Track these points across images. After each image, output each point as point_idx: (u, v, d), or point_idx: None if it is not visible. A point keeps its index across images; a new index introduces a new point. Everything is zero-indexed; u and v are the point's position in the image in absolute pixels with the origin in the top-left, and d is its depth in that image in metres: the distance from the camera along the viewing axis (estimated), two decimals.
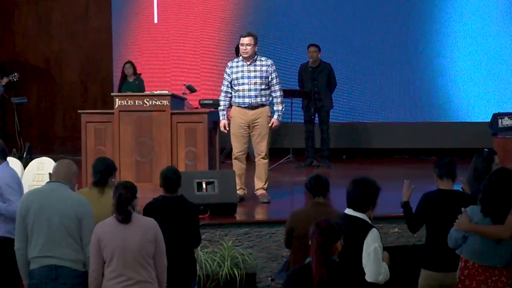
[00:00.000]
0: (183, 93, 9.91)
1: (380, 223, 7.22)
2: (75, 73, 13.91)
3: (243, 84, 8.15)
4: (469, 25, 12.18)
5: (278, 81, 8.26)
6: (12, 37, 13.97)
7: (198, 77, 12.73)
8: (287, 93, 10.59)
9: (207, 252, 7.00)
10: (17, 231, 5.28)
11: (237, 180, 8.01)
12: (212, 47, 12.84)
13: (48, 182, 5.42)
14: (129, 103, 8.45)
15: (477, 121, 11.79)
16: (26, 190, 6.43)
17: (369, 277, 4.69)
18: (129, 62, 11.77)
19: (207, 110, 8.83)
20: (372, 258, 4.70)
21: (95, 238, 4.96)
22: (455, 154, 9.24)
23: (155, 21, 12.99)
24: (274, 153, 9.87)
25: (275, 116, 8.22)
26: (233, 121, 8.23)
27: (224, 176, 7.84)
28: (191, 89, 10.26)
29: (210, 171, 8.26)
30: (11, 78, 11.38)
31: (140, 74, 11.74)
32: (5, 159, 6.16)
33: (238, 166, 8.24)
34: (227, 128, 8.22)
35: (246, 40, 8.14)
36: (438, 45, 12.30)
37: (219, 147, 9.16)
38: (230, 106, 8.30)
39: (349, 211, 4.85)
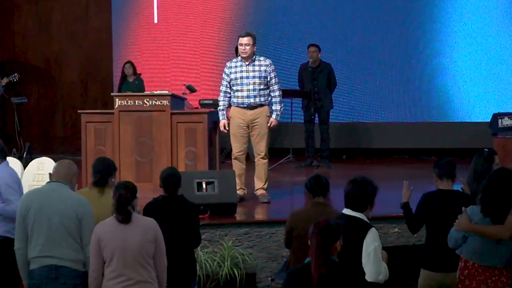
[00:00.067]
0: (183, 93, 9.91)
1: (380, 223, 7.22)
2: (75, 73, 13.91)
3: (242, 84, 8.15)
4: (469, 25, 12.18)
5: (276, 80, 8.26)
6: (12, 37, 13.97)
7: (198, 77, 12.74)
8: (287, 93, 10.61)
9: (207, 252, 7.00)
10: (17, 231, 5.28)
11: (237, 180, 8.01)
12: (212, 47, 12.84)
13: (48, 182, 5.42)
14: (129, 103, 8.45)
15: (477, 121, 11.79)
16: (26, 190, 6.43)
17: (369, 277, 4.70)
18: (129, 62, 11.77)
19: (207, 110, 8.83)
20: (372, 258, 4.70)
21: (95, 238, 4.96)
22: (455, 154, 9.27)
23: (155, 21, 13.00)
24: (274, 153, 9.88)
25: (273, 116, 8.21)
26: (232, 121, 8.23)
27: (224, 176, 7.84)
28: (191, 89, 10.27)
29: (210, 171, 8.26)
30: (11, 79, 11.38)
31: (140, 74, 11.74)
32: (5, 159, 6.16)
33: (238, 166, 8.24)
34: (227, 128, 8.22)
35: (245, 40, 8.14)
36: (438, 45, 12.30)
37: (219, 147, 9.16)
38: (229, 106, 8.30)
39: (347, 211, 4.86)
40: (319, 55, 11.07)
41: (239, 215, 7.68)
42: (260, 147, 8.22)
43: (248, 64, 8.17)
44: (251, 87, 8.14)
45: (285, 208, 7.59)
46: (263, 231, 7.37)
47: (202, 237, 6.34)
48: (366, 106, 12.49)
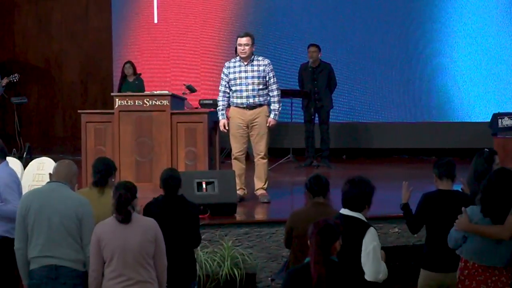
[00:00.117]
0: (183, 93, 9.92)
1: (380, 223, 7.23)
2: (75, 73, 13.91)
3: (241, 84, 8.15)
4: (469, 25, 12.18)
5: (275, 80, 8.26)
6: (12, 37, 13.97)
7: (198, 77, 12.74)
8: (287, 93, 10.62)
9: (207, 252, 7.00)
10: (17, 231, 5.28)
11: (237, 180, 8.01)
12: (212, 47, 12.84)
13: (48, 182, 5.42)
14: (129, 103, 8.45)
15: (477, 121, 11.80)
16: (26, 190, 6.44)
17: (368, 276, 4.70)
18: (129, 62, 11.77)
19: (207, 110, 8.83)
20: (371, 257, 4.70)
21: (95, 238, 4.96)
22: (455, 154, 9.26)
23: (155, 21, 13.00)
24: (274, 153, 9.88)
25: (272, 115, 8.21)
26: (232, 121, 8.23)
27: (224, 176, 7.84)
28: (191, 89, 10.28)
29: (210, 171, 8.26)
30: (11, 79, 11.38)
31: (140, 74, 11.74)
32: (5, 159, 6.16)
33: (237, 166, 8.24)
34: (227, 127, 8.22)
35: (244, 40, 8.14)
36: (438, 45, 12.30)
37: (219, 147, 9.16)
38: (229, 106, 8.30)
39: (344, 211, 4.87)
40: (319, 55, 11.07)
41: (239, 215, 7.69)
42: (260, 147, 8.23)
43: (247, 64, 8.17)
44: (250, 87, 8.14)
45: (285, 208, 7.60)
46: (263, 231, 7.37)
47: (202, 237, 6.34)
48: (366, 106, 12.49)
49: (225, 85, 8.23)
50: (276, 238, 7.28)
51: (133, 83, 11.47)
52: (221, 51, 12.69)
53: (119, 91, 11.32)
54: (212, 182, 7.65)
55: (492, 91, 12.09)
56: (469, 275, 4.95)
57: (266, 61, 8.24)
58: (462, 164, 6.27)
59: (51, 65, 13.96)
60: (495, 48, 12.11)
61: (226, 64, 8.32)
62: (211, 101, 10.80)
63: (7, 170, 6.08)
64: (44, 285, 5.15)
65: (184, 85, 10.43)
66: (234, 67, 8.20)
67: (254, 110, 8.17)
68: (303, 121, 11.30)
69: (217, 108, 8.35)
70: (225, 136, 8.60)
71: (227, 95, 8.24)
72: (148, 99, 8.45)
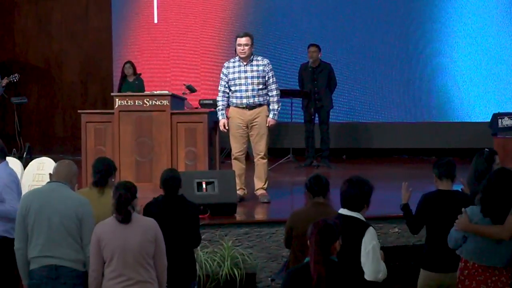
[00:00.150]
0: (183, 93, 9.92)
1: (380, 223, 7.23)
2: (75, 73, 13.90)
3: (240, 84, 8.15)
4: (469, 25, 12.19)
5: (274, 80, 8.26)
6: (12, 37, 13.97)
7: (198, 77, 12.74)
8: (287, 93, 10.62)
9: (207, 252, 7.00)
10: (17, 231, 5.28)
11: (237, 180, 8.01)
12: (212, 47, 12.85)
13: (48, 182, 5.42)
14: (129, 103, 8.45)
15: (477, 121, 11.80)
16: (26, 190, 6.44)
17: (368, 276, 4.70)
18: (129, 62, 11.77)
19: (207, 110, 8.83)
20: (371, 257, 4.70)
21: (95, 238, 4.96)
22: (455, 154, 9.27)
23: (155, 21, 13.00)
24: (274, 153, 9.88)
25: (271, 115, 8.20)
26: (231, 121, 8.22)
27: (224, 176, 7.84)
28: (191, 89, 10.28)
29: (210, 171, 8.26)
30: (11, 79, 11.38)
31: (140, 74, 11.74)
32: (5, 159, 6.16)
33: (237, 166, 8.24)
34: (227, 127, 8.22)
35: (243, 40, 8.14)
36: (438, 45, 12.30)
37: (219, 147, 9.16)
38: (228, 106, 8.30)
39: (343, 211, 4.87)
40: (319, 55, 11.07)
41: (239, 215, 7.68)
42: (260, 147, 8.22)
43: (246, 64, 8.17)
44: (250, 87, 8.14)
45: (285, 208, 7.60)
46: (263, 231, 7.37)
47: (202, 237, 6.35)
48: (366, 106, 12.49)
49: (225, 85, 8.23)
50: (276, 238, 7.28)
51: (133, 83, 11.48)
52: (221, 51, 12.70)
53: (119, 91, 11.32)
54: (212, 182, 7.65)
55: (492, 91, 12.09)
56: (469, 275, 4.95)
57: (266, 61, 8.24)
58: (462, 164, 6.27)
59: (51, 65, 13.96)
60: (495, 48, 12.11)
61: (226, 64, 8.32)
62: (211, 101, 10.80)
63: (7, 170, 6.08)
64: (44, 285, 5.15)
65: (184, 85, 10.43)
66: (234, 67, 8.20)
67: (254, 110, 8.17)
68: (303, 121, 11.30)
69: (217, 108, 8.34)
70: (225, 136, 8.60)
71: (227, 95, 8.24)
72: (148, 99, 8.45)
